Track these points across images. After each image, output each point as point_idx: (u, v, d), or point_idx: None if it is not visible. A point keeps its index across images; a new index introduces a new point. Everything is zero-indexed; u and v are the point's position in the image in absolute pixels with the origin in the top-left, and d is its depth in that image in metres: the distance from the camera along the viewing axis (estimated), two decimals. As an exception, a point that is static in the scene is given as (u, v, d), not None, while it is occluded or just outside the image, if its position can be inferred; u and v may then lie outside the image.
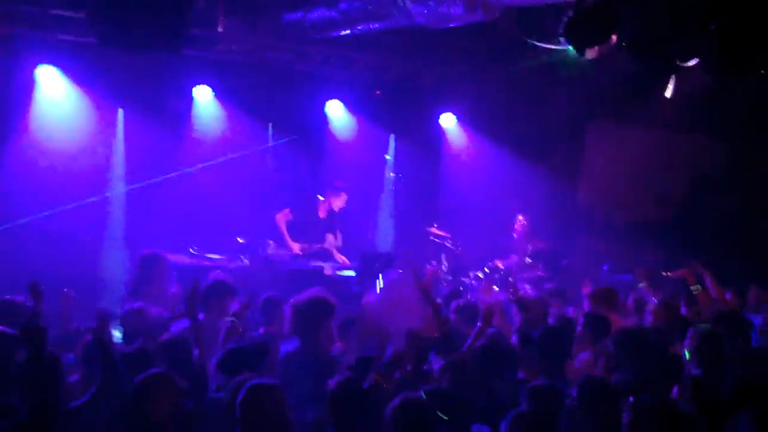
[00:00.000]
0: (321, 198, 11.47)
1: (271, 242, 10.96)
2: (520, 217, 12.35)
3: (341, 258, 11.21)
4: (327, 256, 11.18)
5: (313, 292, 6.62)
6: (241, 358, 5.57)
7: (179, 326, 6.68)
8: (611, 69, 9.76)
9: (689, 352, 6.22)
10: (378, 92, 12.75)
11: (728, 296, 8.47)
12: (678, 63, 7.55)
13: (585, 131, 12.60)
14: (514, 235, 12.35)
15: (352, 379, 4.95)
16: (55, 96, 10.78)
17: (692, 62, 7.71)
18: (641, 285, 8.49)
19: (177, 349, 5.83)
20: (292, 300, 6.57)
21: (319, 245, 11.27)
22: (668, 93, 9.04)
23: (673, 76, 8.75)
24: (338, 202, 11.43)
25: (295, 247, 11.15)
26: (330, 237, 11.32)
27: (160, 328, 6.68)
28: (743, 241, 11.55)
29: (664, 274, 10.09)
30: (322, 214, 11.43)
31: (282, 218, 11.24)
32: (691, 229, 11.89)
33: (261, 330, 7.11)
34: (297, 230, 11.28)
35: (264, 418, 4.46)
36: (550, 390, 5.24)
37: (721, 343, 6.20)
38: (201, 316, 6.93)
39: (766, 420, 4.65)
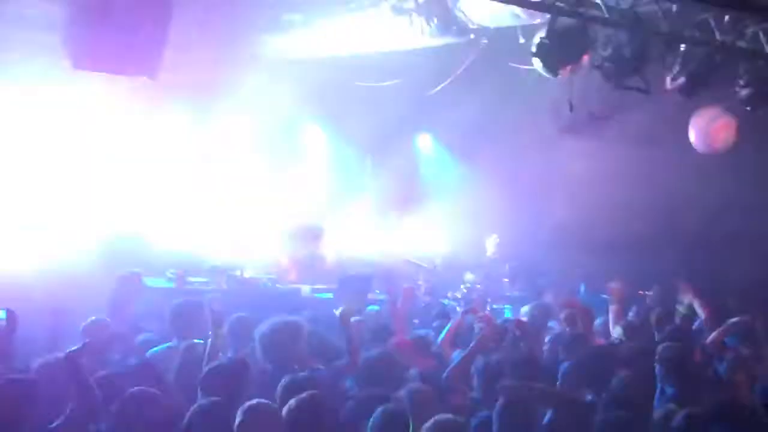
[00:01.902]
0: None
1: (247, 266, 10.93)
2: (495, 236, 12.40)
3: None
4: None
5: (279, 318, 6.69)
6: (222, 377, 5.54)
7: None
8: (583, 84, 9.84)
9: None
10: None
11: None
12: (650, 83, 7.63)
13: (559, 148, 12.66)
14: (488, 255, 12.41)
15: (310, 397, 4.93)
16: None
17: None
18: (612, 306, 8.48)
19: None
20: (257, 330, 6.58)
21: None
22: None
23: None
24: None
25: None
26: None
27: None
28: (718, 255, 11.67)
29: (639, 293, 10.18)
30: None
31: None
32: (667, 244, 11.97)
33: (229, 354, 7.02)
34: None
35: None
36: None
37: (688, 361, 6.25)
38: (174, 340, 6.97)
39: None
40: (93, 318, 7.18)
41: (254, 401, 4.76)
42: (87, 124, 11.18)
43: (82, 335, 6.92)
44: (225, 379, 5.49)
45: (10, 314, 6.36)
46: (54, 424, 5.13)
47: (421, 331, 7.88)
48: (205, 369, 5.77)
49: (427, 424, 4.67)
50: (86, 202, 11.24)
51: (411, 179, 13.77)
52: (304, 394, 4.93)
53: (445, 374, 6.57)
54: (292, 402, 4.87)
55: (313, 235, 11.53)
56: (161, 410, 4.93)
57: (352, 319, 6.88)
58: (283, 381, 5.49)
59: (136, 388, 5.07)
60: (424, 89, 12.27)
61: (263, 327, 6.55)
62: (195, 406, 4.97)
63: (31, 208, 10.70)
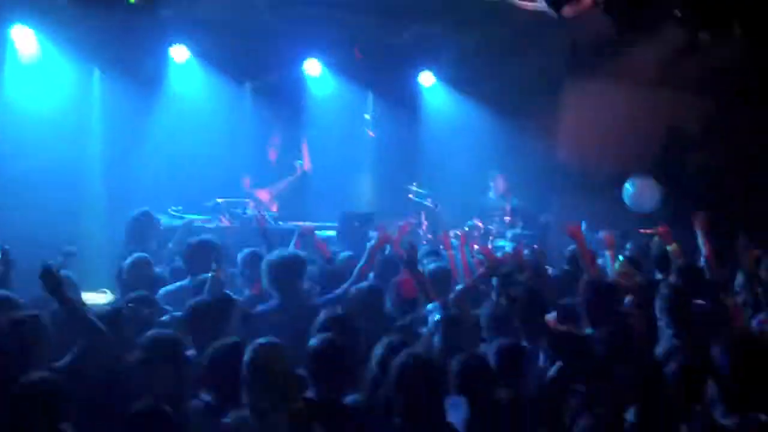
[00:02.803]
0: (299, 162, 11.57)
1: (250, 202, 10.96)
2: (499, 176, 12.39)
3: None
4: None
5: (286, 250, 6.88)
6: (206, 314, 5.62)
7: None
8: (588, 26, 9.75)
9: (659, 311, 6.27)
10: (357, 51, 12.66)
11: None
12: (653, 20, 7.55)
13: (562, 88, 12.58)
14: (491, 195, 12.41)
15: (332, 339, 4.98)
16: (31, 56, 10.67)
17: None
18: (607, 252, 8.45)
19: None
20: (267, 258, 6.69)
21: (284, 181, 11.57)
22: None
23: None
24: (276, 141, 11.88)
25: (264, 194, 11.25)
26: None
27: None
28: (719, 198, 11.65)
29: (641, 231, 10.19)
30: (273, 161, 11.77)
31: (246, 184, 11.51)
32: (669, 185, 11.97)
33: (246, 293, 7.11)
34: (262, 184, 11.57)
35: (270, 374, 4.52)
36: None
37: (686, 301, 6.26)
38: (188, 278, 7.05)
39: None
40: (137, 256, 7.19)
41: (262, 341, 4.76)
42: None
43: (127, 274, 7.00)
44: (209, 316, 5.58)
45: (4, 253, 6.39)
46: (61, 362, 5.16)
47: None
48: (187, 305, 5.80)
49: (400, 360, 4.67)
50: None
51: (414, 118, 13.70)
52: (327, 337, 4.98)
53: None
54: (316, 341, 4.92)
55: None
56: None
57: None
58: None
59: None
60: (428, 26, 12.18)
61: (272, 257, 6.63)
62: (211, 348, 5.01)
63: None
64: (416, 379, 4.49)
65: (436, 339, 5.63)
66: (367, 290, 6.52)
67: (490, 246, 10.34)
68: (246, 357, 4.56)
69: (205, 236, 7.88)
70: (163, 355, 4.81)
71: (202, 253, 7.18)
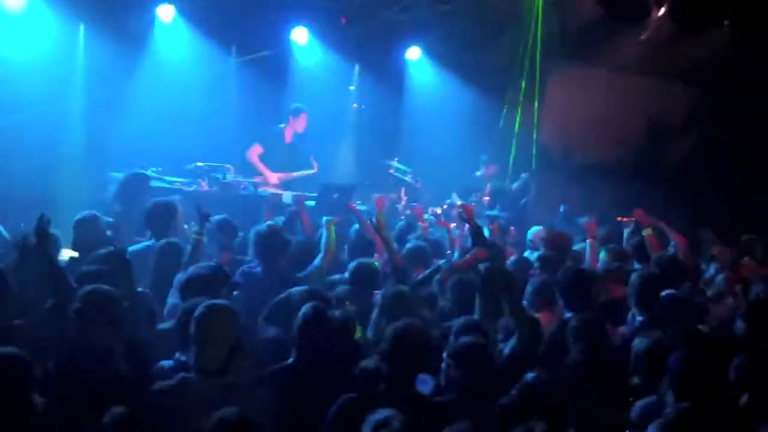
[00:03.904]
0: (282, 125, 11.44)
1: (230, 168, 10.90)
2: (491, 165, 12.39)
3: None
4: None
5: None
6: (200, 286, 5.56)
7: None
8: (578, 10, 9.76)
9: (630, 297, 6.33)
10: (343, 20, 12.60)
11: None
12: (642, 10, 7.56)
13: (548, 70, 12.60)
14: (478, 174, 12.43)
15: (320, 307, 5.03)
16: (15, 7, 10.54)
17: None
18: (588, 240, 8.46)
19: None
20: (256, 228, 6.92)
21: (296, 173, 11.31)
22: None
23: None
24: (300, 123, 11.42)
25: (274, 178, 11.18)
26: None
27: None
28: (700, 187, 11.75)
29: (618, 219, 10.24)
30: (288, 140, 11.43)
31: (254, 153, 11.26)
32: (649, 174, 12.05)
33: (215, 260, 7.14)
34: (269, 161, 11.29)
35: (218, 335, 4.53)
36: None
37: (657, 288, 6.31)
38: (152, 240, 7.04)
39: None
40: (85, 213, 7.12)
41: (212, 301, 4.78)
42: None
43: (74, 230, 6.97)
44: (205, 286, 5.52)
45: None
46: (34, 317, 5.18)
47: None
48: (187, 274, 5.79)
49: (396, 326, 4.72)
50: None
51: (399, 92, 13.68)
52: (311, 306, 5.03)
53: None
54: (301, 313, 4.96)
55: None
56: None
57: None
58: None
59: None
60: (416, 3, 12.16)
61: (262, 229, 6.89)
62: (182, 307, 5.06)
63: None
64: (409, 349, 4.61)
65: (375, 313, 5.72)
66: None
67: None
68: (195, 315, 4.57)
69: (166, 198, 7.84)
70: (97, 307, 4.78)
71: (165, 215, 7.25)
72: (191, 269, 5.87)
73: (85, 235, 6.87)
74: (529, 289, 6.40)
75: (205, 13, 11.57)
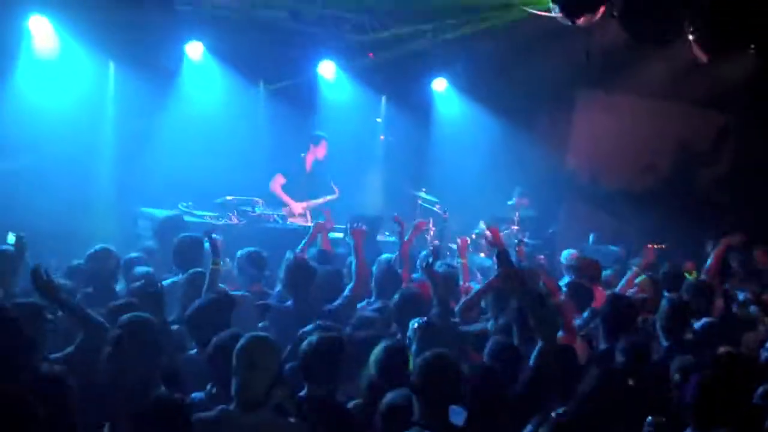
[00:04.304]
0: (303, 154, 11.54)
1: (259, 201, 10.98)
2: (524, 196, 12.37)
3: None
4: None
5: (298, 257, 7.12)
6: (208, 316, 5.65)
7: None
8: (602, 37, 9.76)
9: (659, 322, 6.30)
10: (371, 54, 12.71)
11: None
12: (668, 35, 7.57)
13: (574, 98, 12.60)
14: (509, 203, 12.40)
15: (330, 337, 5.03)
16: (47, 47, 10.74)
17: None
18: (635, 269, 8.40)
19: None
20: (288, 263, 6.99)
21: (319, 200, 11.40)
22: None
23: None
24: (321, 151, 11.51)
25: (298, 207, 11.28)
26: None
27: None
28: (730, 212, 11.65)
29: (648, 246, 10.19)
30: (308, 168, 11.53)
31: (276, 184, 11.38)
32: (678, 199, 11.97)
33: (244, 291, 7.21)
34: (292, 191, 11.41)
35: (261, 367, 4.52)
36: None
37: (687, 315, 6.27)
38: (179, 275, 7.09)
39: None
40: (98, 246, 7.21)
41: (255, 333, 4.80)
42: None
43: (87, 263, 7.05)
44: (210, 318, 5.61)
45: (19, 239, 6.46)
46: (62, 354, 5.19)
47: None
48: (192, 307, 5.81)
49: (425, 357, 4.70)
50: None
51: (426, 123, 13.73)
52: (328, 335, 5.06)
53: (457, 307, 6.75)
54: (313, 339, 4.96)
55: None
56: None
57: None
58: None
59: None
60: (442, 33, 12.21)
61: (291, 263, 6.95)
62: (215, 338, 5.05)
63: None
64: (437, 383, 4.55)
65: (413, 347, 5.62)
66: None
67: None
68: (238, 347, 4.57)
69: (192, 233, 7.88)
70: (137, 333, 4.82)
71: (192, 250, 7.31)
72: (195, 302, 5.89)
73: (99, 269, 6.98)
74: None
75: (232, 49, 11.69)
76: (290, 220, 11.09)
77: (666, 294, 7.60)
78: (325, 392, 4.84)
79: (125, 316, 4.97)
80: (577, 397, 4.79)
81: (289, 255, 7.16)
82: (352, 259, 7.49)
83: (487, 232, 7.62)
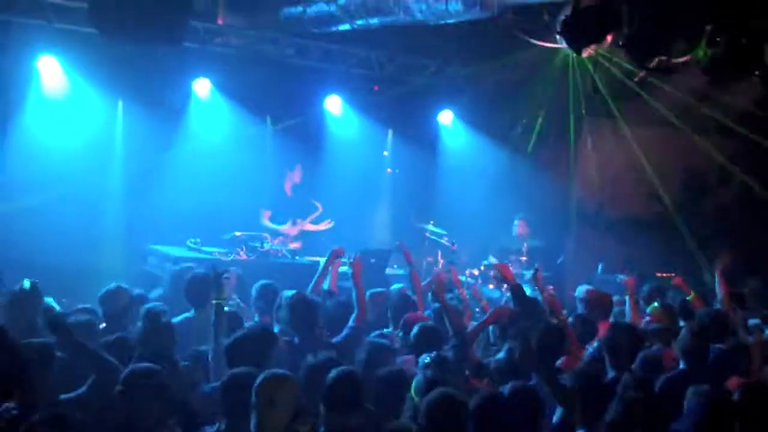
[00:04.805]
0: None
1: (267, 236, 11.00)
2: (522, 221, 12.35)
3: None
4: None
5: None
6: (247, 348, 5.59)
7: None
8: (606, 64, 9.82)
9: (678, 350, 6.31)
10: (376, 88, 12.80)
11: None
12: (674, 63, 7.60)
13: (581, 128, 12.63)
14: (513, 233, 12.38)
15: (349, 371, 5.03)
16: (56, 86, 10.83)
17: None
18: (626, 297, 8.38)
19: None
20: (288, 299, 6.88)
21: (307, 219, 11.54)
22: None
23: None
24: (296, 175, 11.72)
25: (293, 230, 11.37)
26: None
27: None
28: (738, 239, 11.62)
29: (657, 275, 10.18)
30: (289, 193, 11.69)
31: (265, 218, 11.51)
32: (686, 227, 11.95)
33: (257, 318, 7.24)
34: (280, 219, 11.55)
35: (280, 403, 4.53)
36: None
37: (705, 342, 6.27)
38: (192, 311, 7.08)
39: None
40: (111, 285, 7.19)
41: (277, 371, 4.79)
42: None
43: (101, 303, 7.05)
44: (253, 348, 5.57)
45: (34, 286, 6.47)
46: (74, 393, 5.20)
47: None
48: (232, 338, 5.76)
49: (431, 396, 4.69)
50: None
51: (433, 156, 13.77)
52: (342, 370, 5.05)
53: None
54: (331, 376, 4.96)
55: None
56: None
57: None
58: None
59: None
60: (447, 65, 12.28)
61: (295, 297, 6.87)
62: (229, 373, 5.02)
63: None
64: (447, 416, 4.56)
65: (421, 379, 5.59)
66: None
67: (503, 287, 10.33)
68: (256, 383, 4.57)
69: (198, 270, 7.84)
70: (140, 386, 4.79)
71: (202, 286, 7.15)
72: (236, 333, 5.84)
73: (113, 307, 6.97)
74: None
75: (239, 85, 11.75)
76: (291, 245, 11.10)
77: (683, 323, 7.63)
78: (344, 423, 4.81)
79: (126, 370, 4.93)
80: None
81: (286, 294, 7.06)
82: (353, 289, 7.50)
83: (497, 268, 7.61)
